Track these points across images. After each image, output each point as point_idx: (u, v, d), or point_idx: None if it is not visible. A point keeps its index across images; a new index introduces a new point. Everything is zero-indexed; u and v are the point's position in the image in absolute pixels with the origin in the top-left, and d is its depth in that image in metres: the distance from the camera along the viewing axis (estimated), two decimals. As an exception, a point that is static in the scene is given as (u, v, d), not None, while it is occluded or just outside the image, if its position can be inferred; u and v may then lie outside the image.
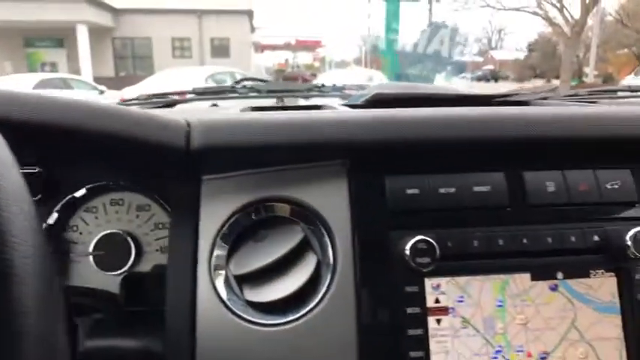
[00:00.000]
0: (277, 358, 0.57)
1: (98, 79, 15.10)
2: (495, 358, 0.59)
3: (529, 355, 0.59)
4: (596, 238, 0.61)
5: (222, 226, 0.62)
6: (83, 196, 0.77)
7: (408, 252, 0.56)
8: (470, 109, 0.63)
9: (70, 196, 0.76)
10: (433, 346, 0.58)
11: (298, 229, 0.63)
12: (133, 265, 0.76)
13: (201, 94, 1.32)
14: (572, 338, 0.60)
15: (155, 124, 0.59)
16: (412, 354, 0.56)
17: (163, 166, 0.64)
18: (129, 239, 0.77)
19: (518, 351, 0.59)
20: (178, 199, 0.64)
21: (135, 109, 0.61)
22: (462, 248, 0.59)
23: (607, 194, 0.63)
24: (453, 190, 0.61)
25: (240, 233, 0.63)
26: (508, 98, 0.96)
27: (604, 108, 0.68)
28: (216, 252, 0.62)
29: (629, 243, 0.59)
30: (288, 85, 1.38)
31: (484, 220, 0.61)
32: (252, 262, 0.61)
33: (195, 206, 0.63)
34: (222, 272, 0.62)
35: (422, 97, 0.87)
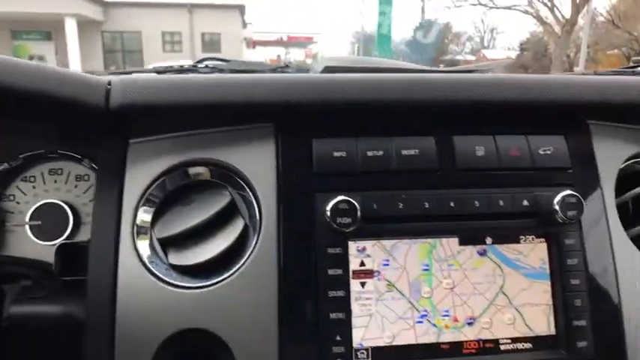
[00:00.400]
0: (198, 321, 0.56)
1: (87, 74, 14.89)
2: (420, 322, 0.58)
3: (455, 320, 0.58)
4: (525, 203, 0.60)
5: (147, 189, 0.61)
6: (20, 166, 0.75)
7: (328, 212, 0.55)
8: (400, 74, 0.62)
9: (4, 165, 0.75)
10: (356, 308, 0.57)
11: (226, 193, 0.61)
12: (70, 235, 0.74)
13: (162, 72, 1.29)
14: (500, 304, 0.59)
15: (74, 81, 0.57)
16: (333, 315, 0.55)
17: (87, 126, 0.62)
18: (67, 209, 0.75)
19: (444, 315, 0.58)
20: (104, 162, 0.63)
21: (57, 67, 0.60)
22: (388, 210, 0.58)
23: (539, 160, 0.62)
24: (380, 153, 0.60)
25: (167, 197, 0.62)
26: (456, 68, 0.95)
27: (539, 75, 0.67)
28: (141, 215, 0.60)
29: (556, 207, 0.58)
30: (251, 65, 1.36)
31: (412, 183, 0.60)
32: (177, 226, 0.60)
33: (121, 169, 0.61)
34: (147, 236, 0.61)
35: (371, 69, 0.85)
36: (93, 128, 0.63)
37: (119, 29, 20.81)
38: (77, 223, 0.75)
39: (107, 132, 0.62)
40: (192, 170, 0.62)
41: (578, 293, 0.59)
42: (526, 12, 19.44)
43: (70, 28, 17.60)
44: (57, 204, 0.75)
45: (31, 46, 19.60)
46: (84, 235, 0.76)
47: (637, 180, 0.68)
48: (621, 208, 0.67)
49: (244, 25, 25.77)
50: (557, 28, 17.36)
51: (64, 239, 0.74)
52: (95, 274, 0.58)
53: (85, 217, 0.76)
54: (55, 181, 0.78)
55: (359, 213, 0.55)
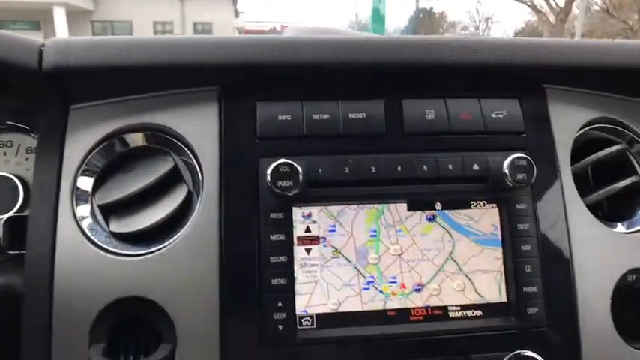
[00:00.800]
0: (137, 288, 0.54)
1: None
2: (367, 288, 0.57)
3: (403, 287, 0.57)
4: (476, 167, 0.59)
5: (87, 155, 0.59)
6: None
7: (269, 176, 0.53)
8: (348, 37, 0.60)
9: None
10: (301, 275, 0.55)
11: (169, 159, 0.59)
12: (21, 209, 0.72)
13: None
14: (449, 270, 0.58)
15: (5, 42, 0.55)
16: (274, 281, 0.54)
17: (24, 91, 0.60)
18: (17, 182, 0.73)
19: (391, 282, 0.57)
20: (45, 129, 0.60)
21: None
22: (333, 175, 0.56)
23: (491, 124, 0.61)
24: (326, 116, 0.58)
25: (109, 164, 0.60)
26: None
27: (493, 37, 0.65)
28: (81, 182, 0.59)
29: (505, 171, 0.57)
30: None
31: (359, 147, 0.58)
32: (118, 192, 0.58)
33: (62, 136, 0.59)
34: (87, 203, 0.59)
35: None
36: (30, 93, 0.60)
37: (109, 19, 20.57)
38: (28, 197, 0.73)
39: (46, 97, 0.60)
40: (135, 136, 0.60)
41: (529, 259, 0.58)
42: (520, 1, 19.37)
43: (59, 17, 17.37)
44: (7, 177, 0.72)
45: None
46: None
47: (595, 148, 0.67)
48: (580, 177, 0.66)
49: (237, 14, 25.53)
50: (551, 17, 17.33)
51: (13, 213, 0.72)
52: (33, 243, 0.56)
53: None
54: (5, 154, 0.75)
55: (301, 176, 0.53)
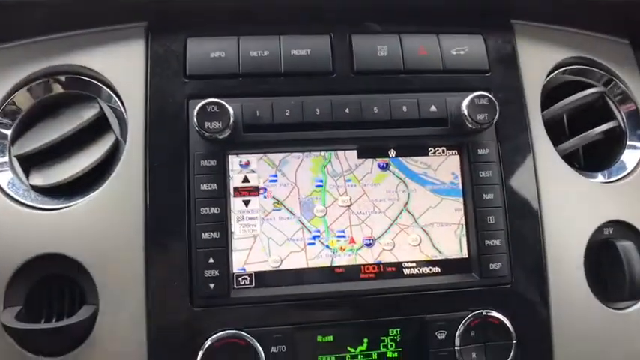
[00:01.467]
0: (57, 245, 0.48)
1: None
2: (312, 243, 0.51)
3: (352, 241, 0.52)
4: (433, 108, 0.53)
5: (4, 102, 0.53)
6: None
7: (195, 118, 0.47)
8: None
9: None
10: (238, 229, 0.50)
11: (95, 105, 0.54)
12: None
13: None
14: (404, 223, 0.53)
15: None
16: (205, 235, 0.48)
17: None
18: None
19: (339, 236, 0.52)
20: None
21: None
22: (273, 117, 0.51)
23: (451, 61, 0.55)
24: (266, 53, 0.52)
25: (30, 112, 0.54)
26: None
27: None
28: None
29: (465, 111, 0.51)
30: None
31: (302, 87, 0.52)
32: (38, 141, 0.52)
33: None
34: (4, 155, 0.53)
35: None
36: None
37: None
38: None
39: None
40: (58, 80, 0.54)
41: (493, 210, 0.52)
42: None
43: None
44: None
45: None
46: None
47: (568, 93, 0.61)
48: (553, 124, 0.60)
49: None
50: None
51: None
52: None
53: None
54: None
55: (231, 117, 0.47)
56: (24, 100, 0.54)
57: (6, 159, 0.53)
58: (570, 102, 0.59)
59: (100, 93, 0.54)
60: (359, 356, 0.50)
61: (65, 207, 0.50)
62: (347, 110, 0.52)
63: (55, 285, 0.50)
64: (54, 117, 0.55)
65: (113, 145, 0.52)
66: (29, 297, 0.49)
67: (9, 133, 0.53)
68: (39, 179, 0.52)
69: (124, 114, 0.52)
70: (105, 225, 0.49)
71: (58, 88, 0.55)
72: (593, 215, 0.56)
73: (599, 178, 0.60)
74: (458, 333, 0.50)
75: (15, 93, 0.53)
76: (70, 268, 0.49)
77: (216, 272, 0.48)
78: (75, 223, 0.49)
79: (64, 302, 0.50)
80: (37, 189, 0.52)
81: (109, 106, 0.54)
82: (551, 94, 0.61)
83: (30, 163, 0.53)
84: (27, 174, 0.53)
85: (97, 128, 0.53)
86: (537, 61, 0.58)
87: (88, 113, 0.53)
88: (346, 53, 0.53)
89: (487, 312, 0.51)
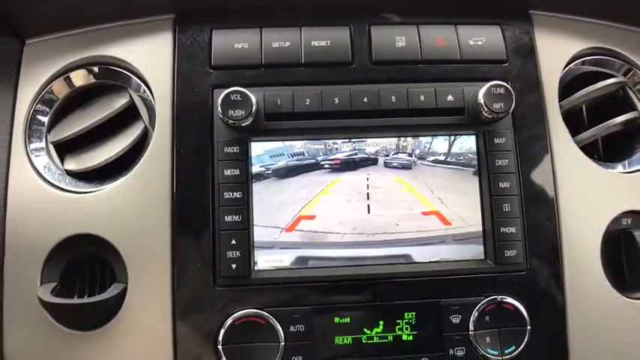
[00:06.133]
0: (90, 226, 0.51)
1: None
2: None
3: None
4: (450, 98, 0.54)
5: (41, 91, 0.56)
6: None
7: (219, 106, 0.49)
8: None
9: None
10: (260, 214, 0.52)
11: (125, 94, 0.56)
12: None
13: None
14: (421, 210, 0.54)
15: None
16: (228, 219, 0.50)
17: None
18: None
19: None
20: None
21: None
22: (293, 106, 0.52)
23: (468, 51, 0.55)
24: (287, 44, 0.54)
25: (64, 101, 0.57)
26: None
27: None
28: (35, 118, 0.56)
29: (481, 100, 0.51)
30: None
31: (322, 77, 0.54)
32: (72, 129, 0.55)
33: (16, 71, 0.57)
34: (41, 141, 0.56)
35: None
36: None
37: None
38: None
39: (1, 32, 0.58)
40: (92, 70, 0.57)
41: (508, 197, 0.53)
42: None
43: None
44: None
45: None
46: None
47: (587, 84, 0.61)
48: (572, 114, 0.61)
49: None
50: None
51: None
52: None
53: None
54: None
55: (254, 105, 0.49)
56: (60, 90, 0.57)
57: (42, 144, 0.56)
58: (589, 92, 0.60)
59: (130, 83, 0.57)
60: (374, 338, 0.51)
61: (97, 190, 0.53)
62: (365, 99, 0.53)
63: (87, 264, 0.53)
64: (87, 106, 0.58)
65: (142, 133, 0.55)
66: (63, 275, 0.52)
67: (46, 120, 0.56)
68: (73, 164, 0.55)
69: (153, 103, 0.55)
70: (134, 207, 0.52)
71: (91, 79, 0.58)
72: (611, 205, 0.56)
73: (619, 168, 0.60)
74: (472, 318, 0.51)
75: (52, 82, 0.57)
76: (102, 248, 0.52)
77: (237, 254, 0.50)
78: (106, 206, 0.52)
79: (96, 280, 0.53)
80: (70, 173, 0.55)
81: (138, 95, 0.57)
82: (570, 84, 0.61)
83: (64, 149, 0.56)
84: (61, 159, 0.56)
85: (127, 116, 0.56)
86: (555, 51, 0.58)
87: (119, 102, 0.56)
88: (365, 44, 0.55)
89: (502, 298, 0.52)
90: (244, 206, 0.51)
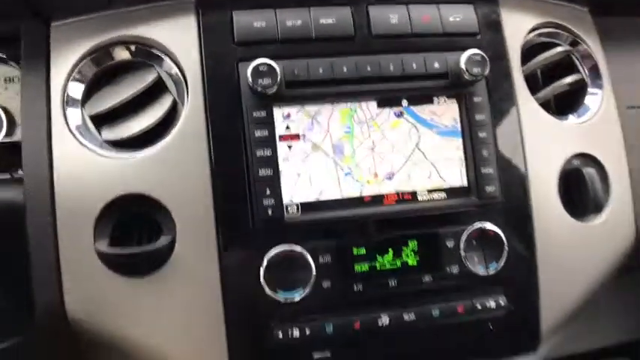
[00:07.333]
0: (136, 186, 0.59)
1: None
2: (344, 179, 0.63)
3: (376, 176, 0.64)
4: (437, 65, 0.65)
5: (73, 69, 0.62)
6: None
7: (249, 76, 0.58)
8: None
9: None
10: (285, 168, 0.61)
11: (153, 70, 0.63)
12: (6, 136, 0.75)
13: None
14: (416, 159, 0.65)
15: None
16: (262, 172, 0.60)
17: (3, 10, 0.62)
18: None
19: (365, 172, 0.64)
20: (27, 47, 0.63)
21: None
22: (309, 75, 0.62)
23: (449, 26, 0.67)
24: (299, 22, 0.63)
25: (95, 77, 0.64)
26: None
27: None
28: (70, 92, 0.62)
29: (463, 66, 0.63)
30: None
31: (330, 50, 0.63)
32: (106, 103, 0.62)
33: (46, 53, 0.63)
34: (78, 113, 0.63)
35: None
36: (7, 12, 0.63)
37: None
38: (11, 124, 0.76)
39: (25, 16, 0.63)
40: (119, 50, 0.64)
41: (486, 145, 0.65)
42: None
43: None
44: None
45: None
46: (19, 137, 0.77)
47: (540, 52, 0.74)
48: (531, 77, 0.74)
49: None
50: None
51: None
52: (29, 159, 0.60)
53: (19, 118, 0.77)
54: None
55: (279, 74, 0.58)
56: (90, 68, 0.63)
57: (79, 118, 0.62)
58: (545, 58, 0.73)
59: (158, 60, 0.64)
60: (386, 265, 0.62)
61: (137, 156, 0.60)
62: (368, 68, 0.63)
63: (135, 224, 0.61)
64: (116, 82, 0.64)
65: (172, 105, 0.63)
66: (114, 233, 0.60)
67: (80, 93, 0.63)
68: (111, 134, 0.62)
69: (181, 77, 0.63)
70: (175, 167, 0.60)
71: (119, 57, 0.64)
72: (564, 149, 0.70)
73: (570, 119, 0.74)
74: (462, 242, 0.63)
75: (83, 60, 0.63)
76: (148, 207, 0.59)
77: (272, 201, 0.59)
78: (150, 168, 0.59)
79: (143, 237, 0.61)
80: (110, 143, 0.62)
81: (165, 72, 0.64)
82: (527, 53, 0.74)
83: (99, 121, 0.63)
84: (98, 131, 0.63)
85: (155, 91, 0.63)
86: (517, 25, 0.71)
87: (148, 78, 0.63)
88: (364, 21, 0.65)
89: (485, 226, 0.64)
90: (274, 162, 0.60)
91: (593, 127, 0.73)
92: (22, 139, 0.61)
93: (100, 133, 0.62)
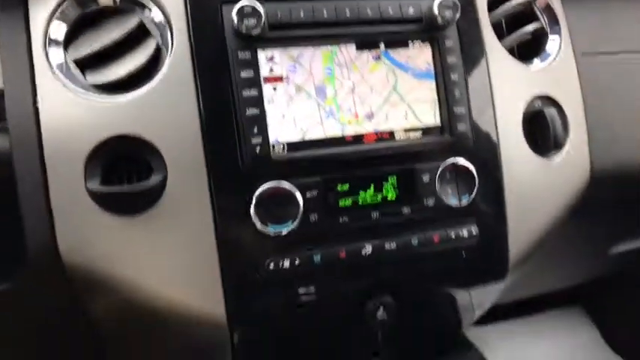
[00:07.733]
0: (125, 127, 0.60)
1: None
2: (327, 119, 0.66)
3: (356, 116, 0.67)
4: (411, 10, 0.69)
5: (53, 13, 0.62)
6: None
7: (234, 17, 0.60)
8: None
9: None
10: (270, 110, 0.64)
11: (134, 15, 0.64)
12: None
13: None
14: (393, 101, 0.69)
15: None
16: (249, 112, 0.62)
17: None
18: None
19: (346, 113, 0.67)
20: None
21: None
22: (290, 17, 0.64)
23: None
24: None
25: (77, 22, 0.63)
26: None
27: None
28: (53, 32, 0.62)
29: (436, 11, 0.67)
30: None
31: None
32: (89, 46, 0.62)
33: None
34: (62, 57, 0.62)
35: None
36: None
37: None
38: None
39: None
40: None
41: (457, 86, 0.70)
42: None
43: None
44: None
45: None
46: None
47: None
48: (497, 26, 0.78)
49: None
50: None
51: None
52: (13, 101, 0.60)
53: None
54: None
55: (263, 15, 0.60)
56: (73, 10, 0.63)
57: (62, 61, 0.62)
58: (511, 7, 0.78)
59: (142, 6, 0.64)
60: (368, 199, 0.67)
61: (124, 98, 0.61)
62: (347, 12, 0.66)
63: (124, 166, 0.62)
64: (99, 26, 0.64)
65: (156, 49, 0.63)
66: (104, 174, 0.61)
67: (62, 35, 0.62)
68: (95, 78, 0.62)
69: (164, 22, 0.63)
70: (164, 108, 0.61)
71: (104, 2, 0.64)
72: (527, 91, 0.76)
73: (534, 63, 0.79)
74: (437, 177, 0.68)
75: (62, 4, 0.62)
76: (137, 148, 0.61)
77: (259, 139, 0.62)
78: (138, 109, 0.60)
79: (132, 179, 0.62)
80: (95, 87, 0.62)
81: (149, 17, 0.65)
82: (492, 4, 0.78)
83: (83, 65, 0.63)
84: (82, 75, 0.63)
85: (137, 36, 0.64)
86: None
87: (130, 22, 0.63)
88: None
89: (457, 161, 0.69)
90: (260, 102, 0.63)
91: (553, 70, 0.79)
92: (3, 86, 0.60)
93: (84, 78, 0.63)
